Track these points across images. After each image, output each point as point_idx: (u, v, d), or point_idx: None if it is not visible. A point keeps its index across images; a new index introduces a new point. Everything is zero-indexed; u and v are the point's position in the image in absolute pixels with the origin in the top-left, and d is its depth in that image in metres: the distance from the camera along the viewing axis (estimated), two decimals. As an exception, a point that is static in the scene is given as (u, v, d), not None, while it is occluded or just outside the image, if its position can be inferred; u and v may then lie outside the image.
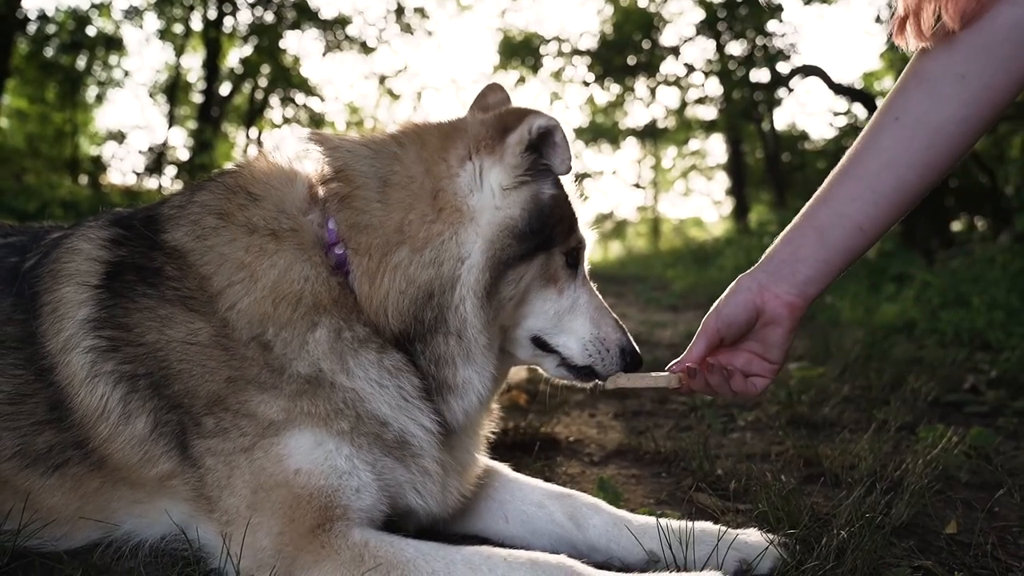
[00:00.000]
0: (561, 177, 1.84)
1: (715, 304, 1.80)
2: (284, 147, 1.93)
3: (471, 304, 1.68)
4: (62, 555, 1.75)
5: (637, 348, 1.93)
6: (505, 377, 2.03)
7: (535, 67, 26.22)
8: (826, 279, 1.72)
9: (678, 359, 1.84)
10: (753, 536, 1.82)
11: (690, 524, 1.81)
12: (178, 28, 25.69)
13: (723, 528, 1.84)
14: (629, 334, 1.93)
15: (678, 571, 1.67)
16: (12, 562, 1.67)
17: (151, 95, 29.02)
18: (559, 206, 1.81)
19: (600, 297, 1.96)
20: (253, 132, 28.74)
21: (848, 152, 1.72)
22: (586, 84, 26.29)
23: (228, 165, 1.98)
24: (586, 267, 1.97)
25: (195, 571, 1.64)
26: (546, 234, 1.76)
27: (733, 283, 1.79)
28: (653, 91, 26.87)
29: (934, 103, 1.58)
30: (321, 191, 1.79)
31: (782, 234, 1.77)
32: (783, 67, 21.18)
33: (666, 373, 1.86)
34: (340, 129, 28.38)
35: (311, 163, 1.87)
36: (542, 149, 1.76)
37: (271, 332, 1.63)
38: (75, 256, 1.79)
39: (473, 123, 1.78)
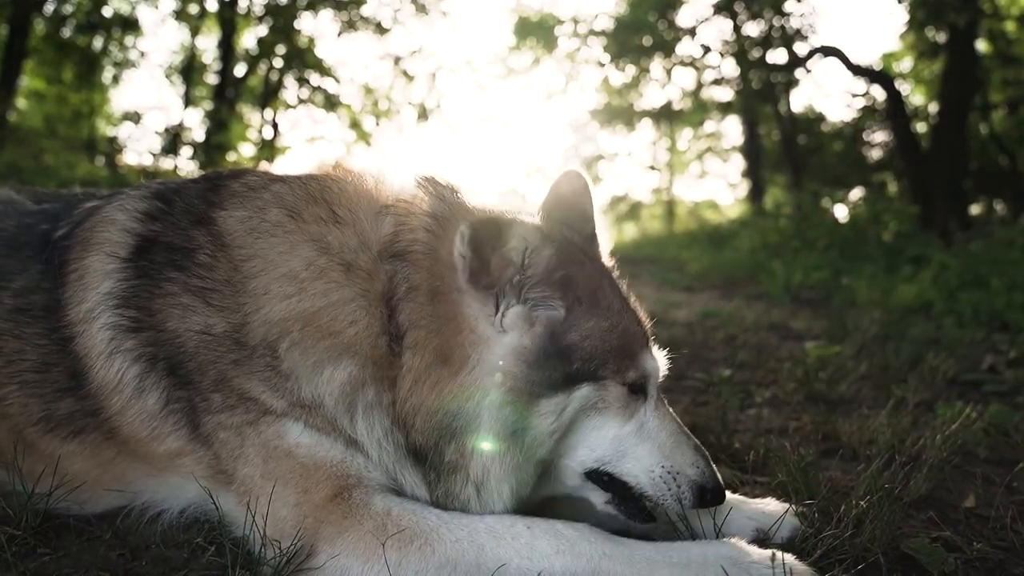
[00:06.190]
0: (604, 312, 1.67)
1: None
2: (389, 169, 1.79)
3: (490, 447, 1.56)
4: (91, 518, 1.78)
5: (720, 482, 1.71)
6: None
7: (550, 48, 26.05)
8: None
9: None
10: (771, 505, 1.84)
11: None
12: (193, 8, 25.70)
13: (740, 497, 1.85)
14: (712, 465, 1.72)
15: (695, 539, 1.69)
16: (44, 523, 1.71)
17: (167, 76, 29.07)
18: (593, 338, 1.63)
19: (678, 422, 1.77)
20: (268, 112, 28.78)
21: None
22: (601, 65, 26.09)
23: (317, 170, 1.85)
24: (657, 391, 1.76)
25: (221, 535, 1.66)
26: (585, 363, 1.60)
27: None
28: (669, 72, 26.63)
29: None
30: (402, 248, 1.65)
31: None
32: (801, 48, 20.96)
33: None
34: (356, 111, 28.37)
35: (408, 200, 1.71)
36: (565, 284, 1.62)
37: (284, 346, 1.60)
38: (109, 226, 1.79)
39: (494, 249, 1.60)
